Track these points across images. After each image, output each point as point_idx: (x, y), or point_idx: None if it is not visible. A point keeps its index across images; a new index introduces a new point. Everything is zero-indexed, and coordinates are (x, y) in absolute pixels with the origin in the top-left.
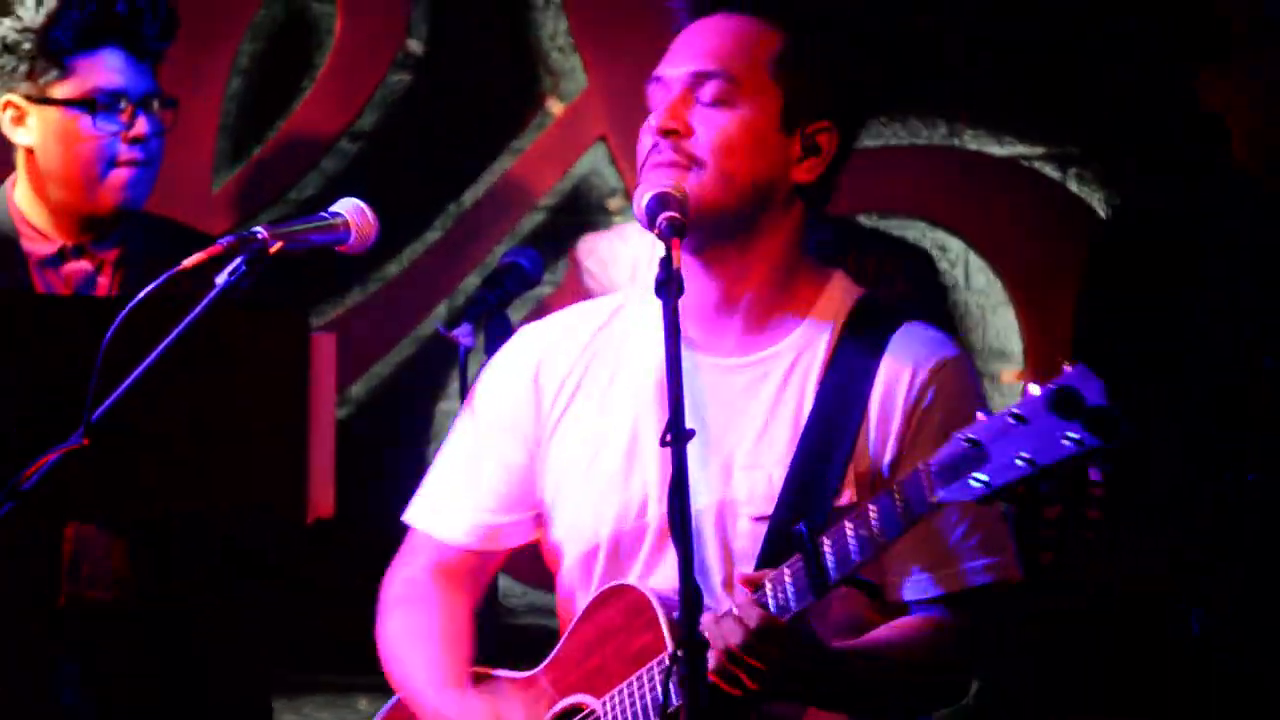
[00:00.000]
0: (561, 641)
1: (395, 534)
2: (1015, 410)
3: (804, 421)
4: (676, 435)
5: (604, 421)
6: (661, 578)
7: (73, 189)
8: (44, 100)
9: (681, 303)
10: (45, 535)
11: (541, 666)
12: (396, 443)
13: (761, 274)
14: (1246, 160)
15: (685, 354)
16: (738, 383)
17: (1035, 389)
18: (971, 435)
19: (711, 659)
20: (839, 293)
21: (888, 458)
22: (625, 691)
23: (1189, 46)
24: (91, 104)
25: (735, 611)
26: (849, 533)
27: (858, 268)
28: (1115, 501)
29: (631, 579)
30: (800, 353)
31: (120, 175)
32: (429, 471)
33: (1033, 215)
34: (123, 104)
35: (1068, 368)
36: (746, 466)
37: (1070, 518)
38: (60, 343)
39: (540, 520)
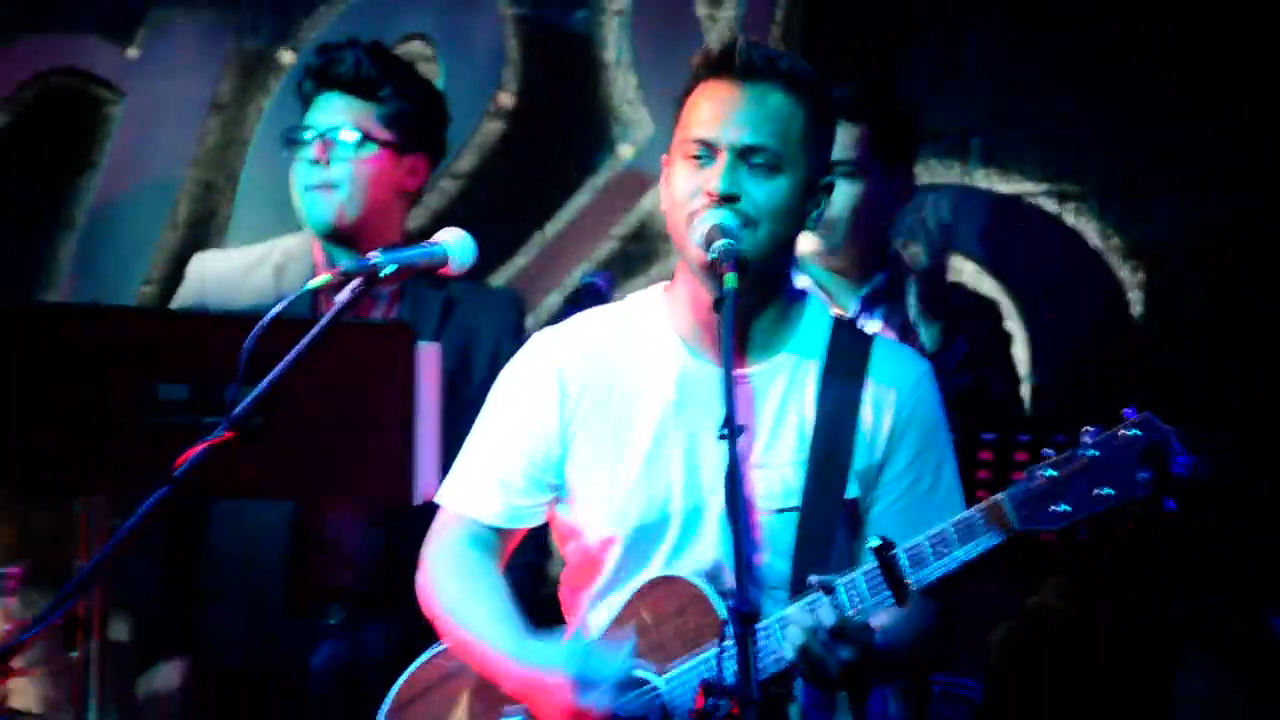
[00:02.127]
0: (607, 625)
1: None
2: (1092, 453)
3: (809, 429)
4: (731, 430)
5: (626, 420)
6: (686, 565)
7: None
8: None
9: (696, 320)
10: (293, 522)
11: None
12: None
13: (768, 301)
14: None
15: (700, 364)
16: (743, 391)
17: (1122, 428)
18: (1053, 472)
19: (792, 649)
20: (817, 312)
21: (879, 458)
22: (688, 669)
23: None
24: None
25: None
26: (926, 548)
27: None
28: (1189, 523)
29: (655, 566)
30: (792, 369)
31: (309, 199)
32: (459, 458)
33: (1033, 241)
34: (308, 135)
35: (1129, 412)
36: (761, 466)
37: (1144, 536)
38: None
39: (555, 505)
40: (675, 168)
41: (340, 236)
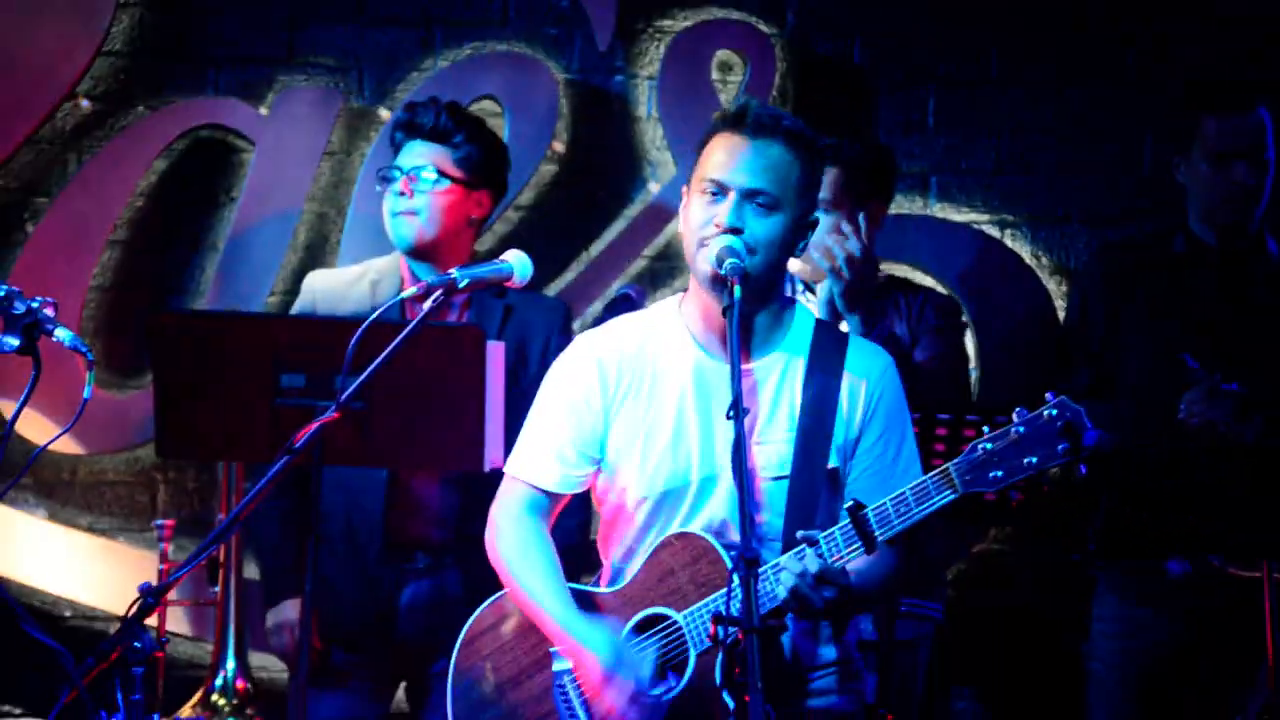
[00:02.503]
0: (636, 572)
1: None
2: (1021, 429)
3: (798, 412)
4: (737, 412)
5: (654, 405)
6: (699, 523)
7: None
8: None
9: (707, 324)
10: (388, 485)
11: (618, 588)
12: None
13: (764, 309)
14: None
15: (710, 361)
16: (746, 382)
17: (1045, 410)
18: (989, 445)
19: (785, 590)
20: (803, 316)
21: (854, 434)
22: (702, 608)
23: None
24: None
25: (811, 558)
26: (890, 509)
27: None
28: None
29: (675, 523)
30: (785, 364)
31: (396, 223)
32: (520, 435)
33: (980, 260)
34: (396, 174)
35: (1050, 396)
36: (760, 443)
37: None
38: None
39: (597, 474)
40: (692, 200)
41: (419, 253)
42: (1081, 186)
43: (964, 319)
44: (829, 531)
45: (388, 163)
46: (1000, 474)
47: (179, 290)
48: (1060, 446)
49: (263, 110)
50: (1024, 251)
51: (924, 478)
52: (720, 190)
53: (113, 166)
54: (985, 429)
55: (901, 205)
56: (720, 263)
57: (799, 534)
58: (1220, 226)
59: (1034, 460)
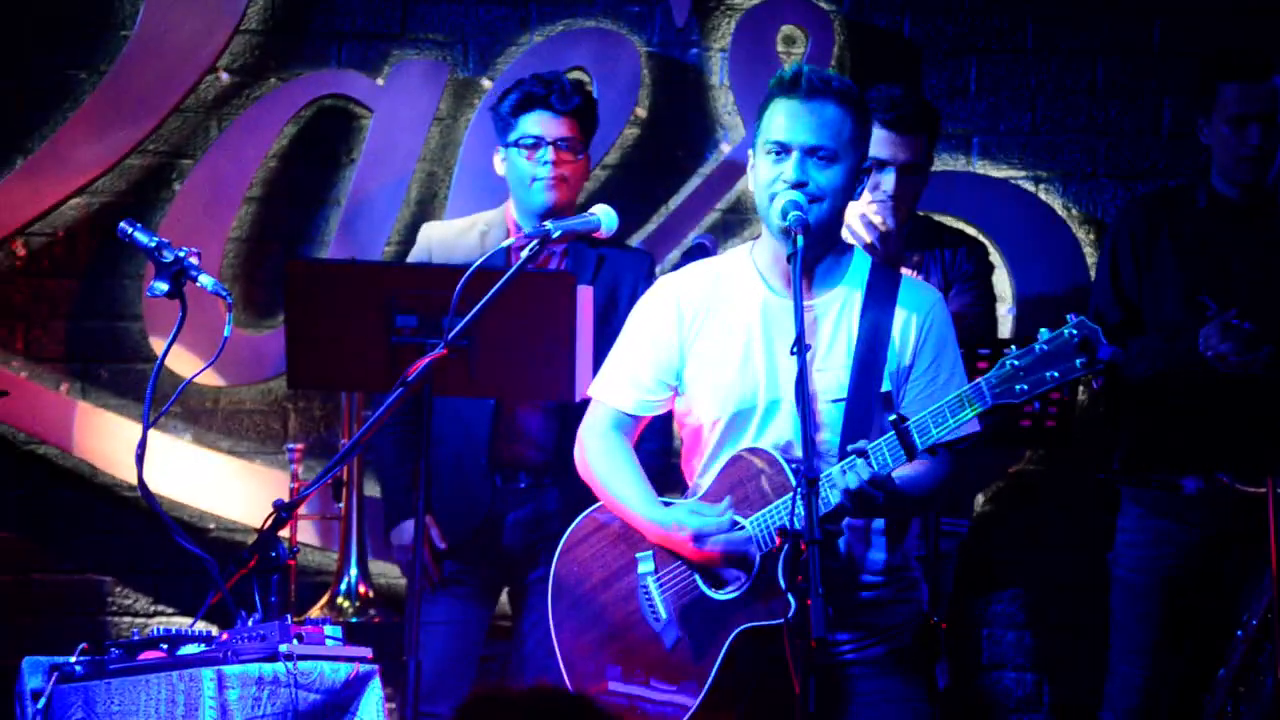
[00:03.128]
0: (710, 484)
1: None
2: (1044, 346)
3: (855, 342)
4: (800, 347)
5: (725, 337)
6: (767, 440)
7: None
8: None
9: (775, 267)
10: (493, 413)
11: (699, 497)
12: None
13: (825, 253)
14: (1219, 183)
15: (776, 298)
16: (808, 316)
17: (1066, 329)
18: (1016, 361)
19: (838, 495)
20: (860, 258)
21: (907, 362)
22: (767, 514)
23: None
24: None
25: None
26: (929, 420)
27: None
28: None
29: (747, 440)
30: (844, 299)
31: (541, 187)
32: (605, 362)
33: (1017, 211)
34: (544, 143)
35: (1071, 316)
36: (820, 369)
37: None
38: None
39: (675, 399)
40: (759, 160)
41: (556, 212)
42: (1109, 145)
43: (991, 260)
44: (876, 443)
45: (503, 132)
46: (1025, 387)
47: (306, 241)
48: (1079, 360)
49: (379, 81)
50: (1056, 204)
51: (958, 390)
52: (784, 149)
53: (248, 132)
54: (1010, 348)
55: (947, 163)
56: (785, 215)
57: (850, 447)
58: (1239, 183)
59: (1055, 374)
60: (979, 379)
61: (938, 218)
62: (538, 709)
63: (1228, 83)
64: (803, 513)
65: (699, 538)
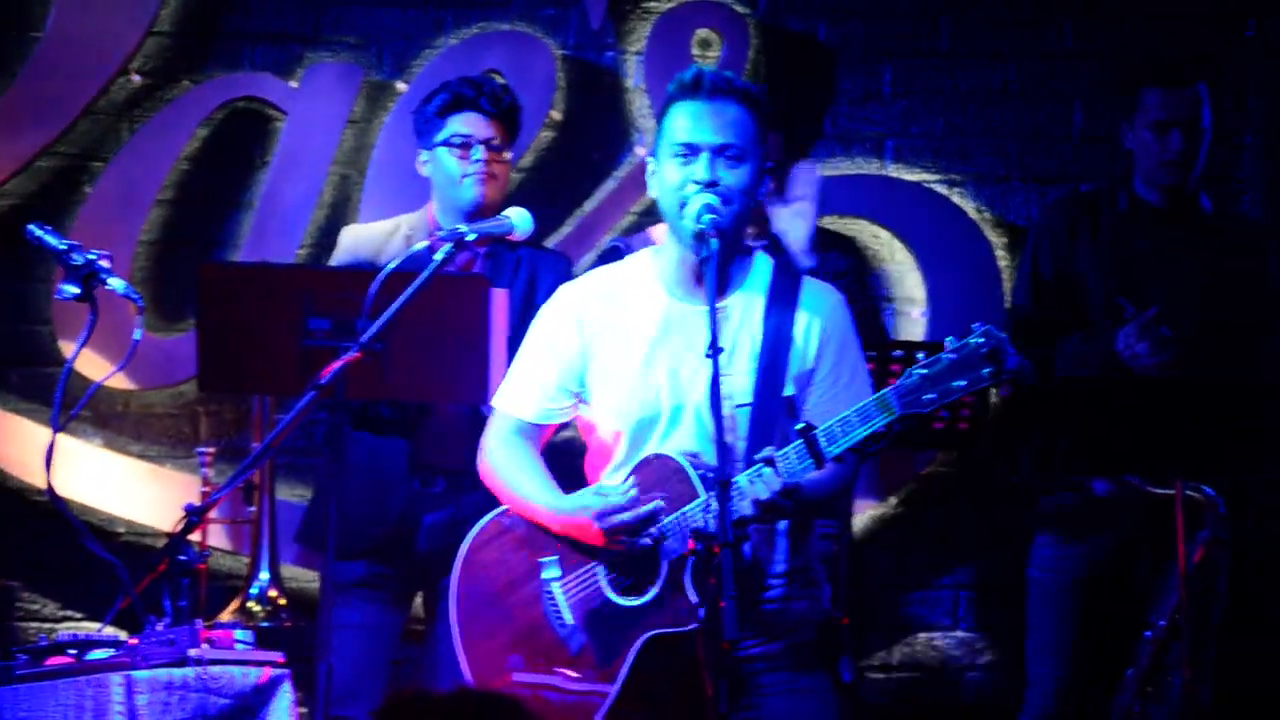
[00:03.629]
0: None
1: None
2: (951, 355)
3: (758, 347)
4: (714, 351)
5: (626, 344)
6: (673, 445)
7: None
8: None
9: (679, 272)
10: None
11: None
12: None
13: (732, 256)
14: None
15: (678, 304)
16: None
17: (973, 338)
18: (924, 371)
19: (747, 504)
20: (763, 260)
21: (810, 366)
22: (674, 521)
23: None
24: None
25: (765, 478)
26: (836, 429)
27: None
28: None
29: (651, 448)
30: (746, 303)
31: (470, 184)
32: (508, 373)
33: (929, 216)
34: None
35: (978, 325)
36: (725, 374)
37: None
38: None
39: (578, 407)
40: (664, 165)
41: (485, 209)
42: (1021, 149)
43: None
44: (784, 451)
45: (427, 132)
46: (933, 396)
47: (219, 244)
48: (985, 370)
49: (293, 83)
50: (969, 208)
51: (866, 400)
52: (692, 151)
53: (160, 134)
54: (918, 355)
55: (860, 166)
56: (699, 219)
57: (758, 455)
58: (1160, 187)
59: (963, 383)
60: (887, 389)
61: (832, 220)
62: (460, 711)
63: (1150, 88)
64: (717, 515)
65: (603, 515)
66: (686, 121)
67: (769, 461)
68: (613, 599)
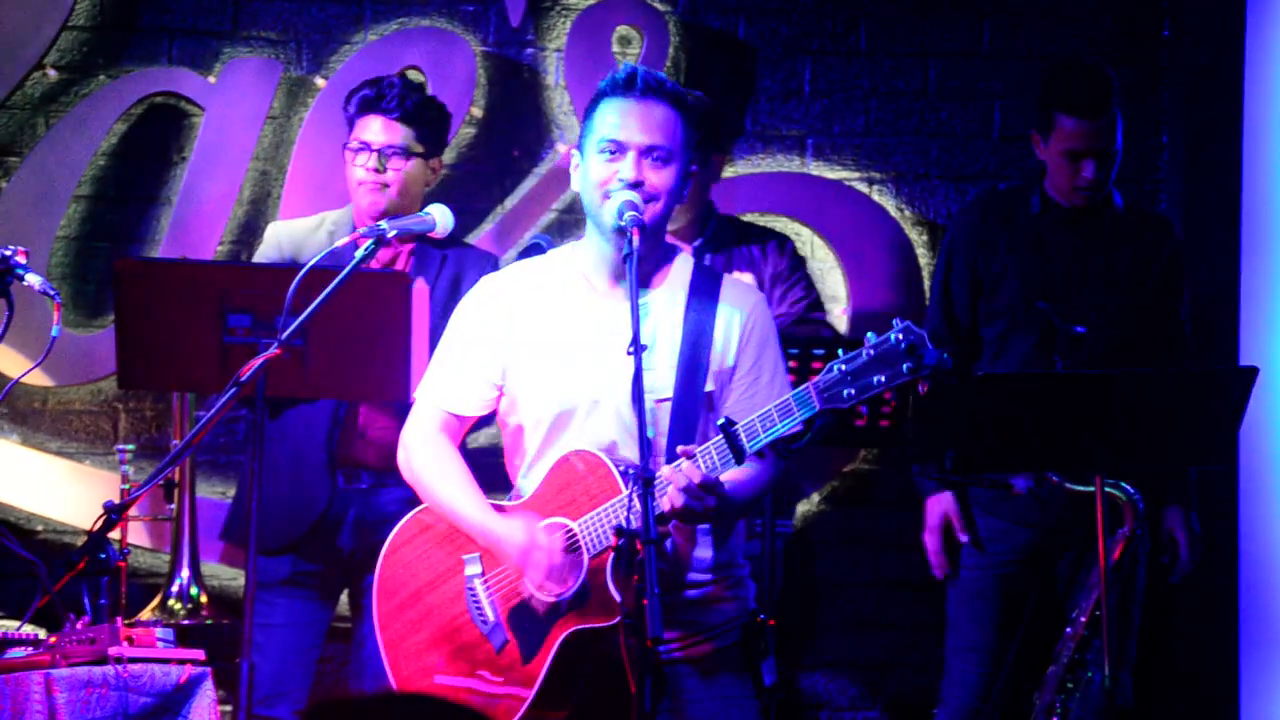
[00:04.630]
0: (536, 486)
1: None
2: (870, 351)
3: (679, 343)
4: (636, 348)
5: (547, 336)
6: (589, 442)
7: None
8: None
9: (601, 267)
10: (334, 412)
11: (522, 502)
12: None
13: (653, 252)
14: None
15: (599, 299)
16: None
17: (892, 334)
18: (844, 366)
19: (667, 501)
20: (684, 262)
21: (730, 363)
22: (594, 517)
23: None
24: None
25: (685, 470)
26: (757, 424)
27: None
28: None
29: (572, 440)
30: (667, 300)
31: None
32: (430, 364)
33: (850, 213)
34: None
35: (897, 321)
36: (647, 369)
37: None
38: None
39: (500, 399)
40: (590, 159)
41: (381, 217)
42: (941, 147)
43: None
44: (704, 446)
45: (348, 131)
46: (853, 391)
47: (137, 240)
48: (905, 365)
49: (211, 79)
50: (890, 205)
51: (787, 395)
52: (619, 148)
53: (77, 129)
54: (839, 351)
55: (781, 164)
56: (621, 215)
57: (678, 449)
58: (1071, 203)
59: (882, 379)
60: (807, 383)
61: (745, 218)
62: (388, 713)
63: (1067, 116)
64: (639, 512)
65: (526, 552)
66: (615, 118)
67: (688, 455)
68: (535, 594)
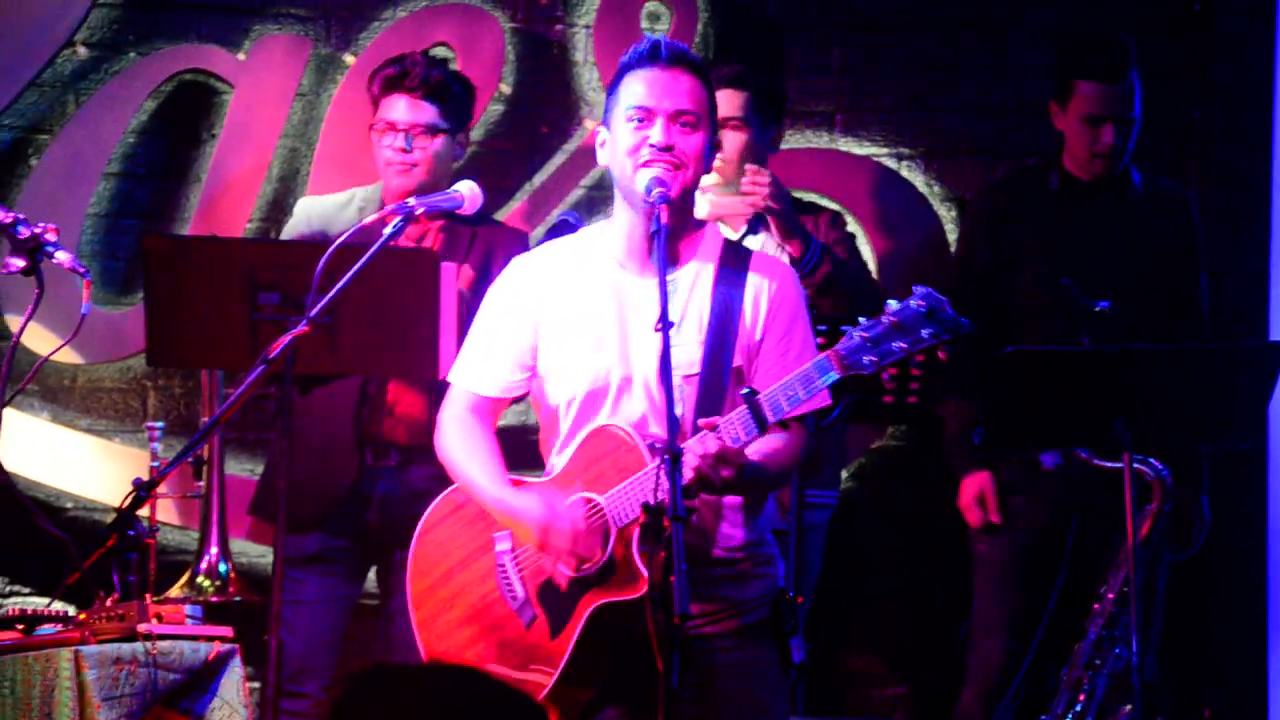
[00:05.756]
0: (565, 463)
1: None
2: (891, 318)
3: (707, 318)
4: (664, 324)
5: (577, 316)
6: (622, 416)
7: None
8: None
9: (629, 243)
10: (363, 389)
11: (553, 476)
12: None
13: (682, 227)
14: (1070, 165)
15: (628, 277)
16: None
17: (912, 301)
18: (864, 334)
19: (690, 471)
20: (713, 236)
21: (758, 337)
22: (620, 490)
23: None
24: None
25: (704, 441)
26: (779, 393)
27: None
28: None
29: (601, 418)
30: (696, 275)
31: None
32: (463, 347)
33: (880, 189)
34: (395, 129)
35: (917, 288)
36: (675, 345)
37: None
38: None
39: (532, 380)
40: (618, 130)
41: (408, 196)
42: (970, 122)
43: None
44: (728, 417)
45: (373, 111)
46: (874, 358)
47: (166, 218)
48: (925, 332)
49: (240, 56)
50: (918, 181)
51: (806, 365)
52: (647, 116)
53: (107, 107)
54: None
55: (810, 140)
56: (650, 191)
57: (700, 422)
58: (1090, 174)
59: (903, 344)
60: (828, 351)
61: (800, 195)
62: (437, 683)
63: (1085, 81)
64: (667, 488)
65: (546, 528)
66: (642, 87)
67: (711, 426)
68: (561, 570)
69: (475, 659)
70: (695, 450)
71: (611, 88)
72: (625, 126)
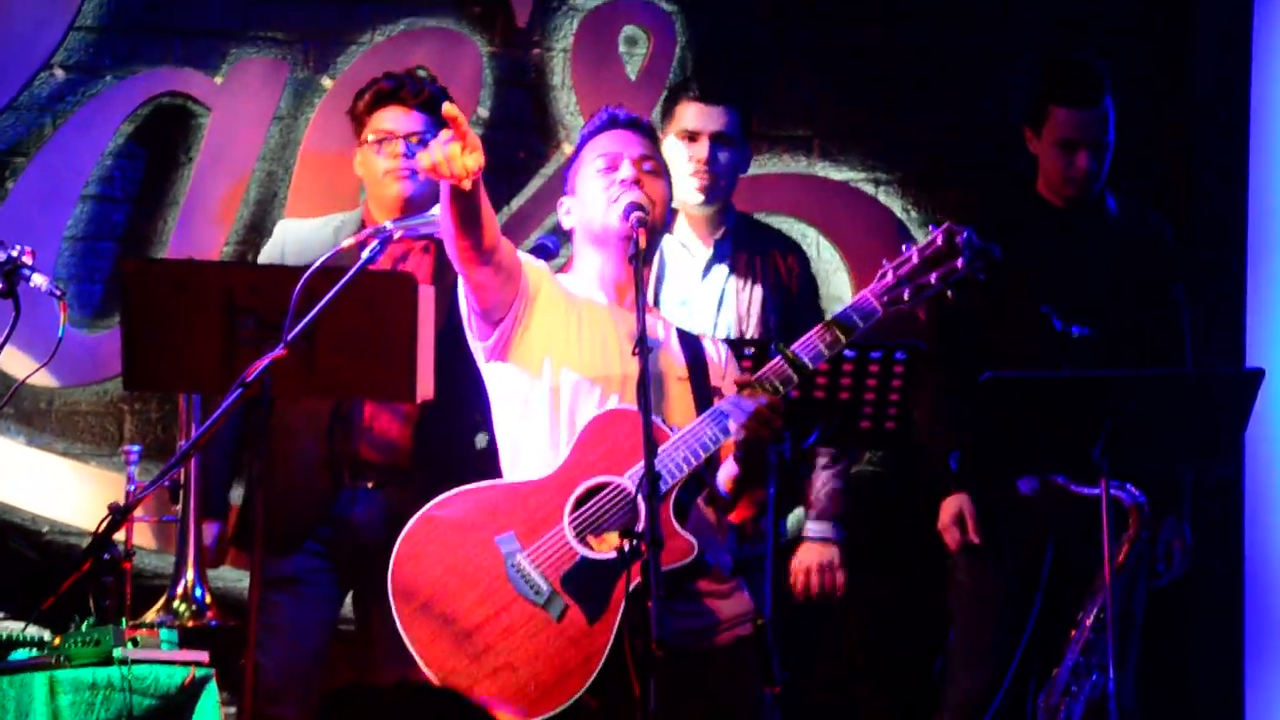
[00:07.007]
0: (569, 455)
1: None
2: (917, 255)
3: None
4: (642, 348)
5: (567, 320)
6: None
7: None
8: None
9: (601, 276)
10: (335, 410)
11: (556, 470)
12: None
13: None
14: (1045, 189)
15: (603, 307)
16: (650, 319)
17: (935, 236)
18: (897, 269)
19: (740, 431)
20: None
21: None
22: (639, 467)
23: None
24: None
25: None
26: (817, 340)
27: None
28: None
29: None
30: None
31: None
32: None
33: (856, 214)
34: (393, 138)
35: (932, 227)
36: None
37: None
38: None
39: (501, 325)
40: (585, 187)
41: (410, 204)
42: (948, 148)
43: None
44: (760, 373)
45: (357, 130)
46: (910, 291)
47: (144, 241)
48: (959, 261)
49: (218, 79)
50: (895, 206)
51: (845, 308)
52: (613, 160)
53: (84, 130)
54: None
55: (788, 165)
56: (628, 215)
57: (734, 379)
58: (1064, 199)
59: (937, 276)
60: (864, 291)
61: (761, 218)
62: (406, 700)
63: (1059, 106)
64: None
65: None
66: (605, 143)
67: (745, 384)
68: (588, 555)
69: (504, 665)
70: (736, 415)
71: (573, 160)
72: (594, 179)
